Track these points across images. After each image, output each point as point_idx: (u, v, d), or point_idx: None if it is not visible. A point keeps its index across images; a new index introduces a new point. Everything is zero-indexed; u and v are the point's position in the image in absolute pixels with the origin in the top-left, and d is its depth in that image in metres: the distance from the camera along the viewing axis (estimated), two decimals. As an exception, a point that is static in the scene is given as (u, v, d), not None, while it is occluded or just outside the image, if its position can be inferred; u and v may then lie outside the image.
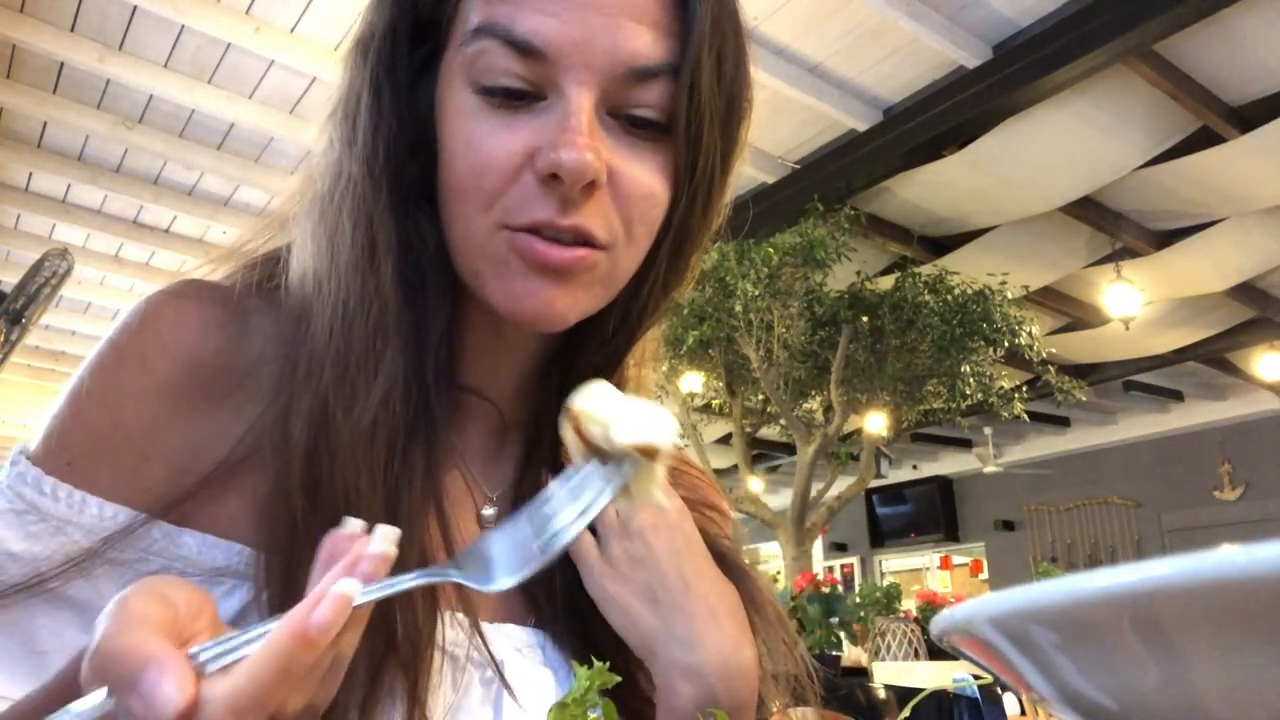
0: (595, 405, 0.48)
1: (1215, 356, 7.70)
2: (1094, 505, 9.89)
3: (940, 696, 2.31)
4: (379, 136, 0.58)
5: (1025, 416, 6.59)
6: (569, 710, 0.43)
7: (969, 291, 5.70)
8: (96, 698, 0.34)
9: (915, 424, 6.86)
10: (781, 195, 5.24)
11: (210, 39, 4.08)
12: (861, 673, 4.09)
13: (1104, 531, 9.80)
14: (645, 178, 0.56)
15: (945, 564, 11.48)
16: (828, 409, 6.40)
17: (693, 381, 6.42)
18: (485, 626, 0.58)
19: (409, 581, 0.40)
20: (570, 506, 0.47)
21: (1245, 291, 6.43)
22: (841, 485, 6.82)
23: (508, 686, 0.57)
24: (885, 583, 5.32)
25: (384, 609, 0.52)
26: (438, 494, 0.58)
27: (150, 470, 0.54)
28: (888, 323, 5.83)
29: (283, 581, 0.51)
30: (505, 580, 0.44)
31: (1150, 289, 5.98)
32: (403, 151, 0.58)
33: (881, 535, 11.71)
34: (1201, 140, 4.73)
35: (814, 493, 6.63)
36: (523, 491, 0.66)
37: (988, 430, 9.19)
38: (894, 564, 12.06)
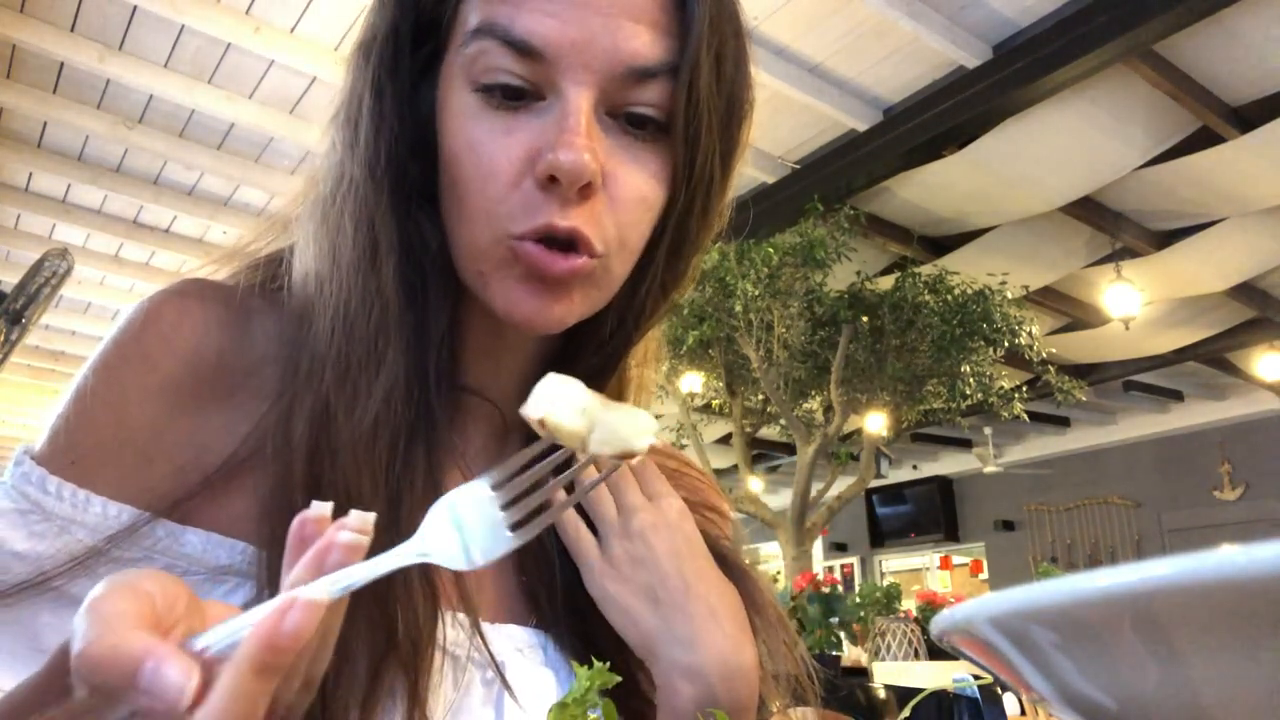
0: (564, 414, 0.46)
1: (1215, 356, 7.70)
2: (1094, 505, 9.89)
3: (940, 696, 2.31)
4: (381, 139, 0.58)
5: (1025, 416, 6.59)
6: (569, 710, 0.43)
7: (969, 291, 5.70)
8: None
9: (915, 424, 6.86)
10: (781, 195, 5.24)
11: (210, 39, 4.08)
12: (861, 673, 4.09)
13: (1104, 531, 9.80)
14: (641, 182, 0.57)
15: (945, 564, 11.48)
16: (828, 409, 6.40)
17: (693, 381, 6.42)
18: (486, 627, 0.58)
19: (381, 568, 0.39)
20: (541, 491, 0.46)
21: (1245, 291, 6.43)
22: (841, 485, 6.82)
23: (508, 687, 0.57)
24: (885, 583, 5.32)
25: (384, 608, 0.52)
26: (439, 494, 0.58)
27: (154, 469, 0.54)
28: (888, 323, 5.83)
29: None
30: (480, 560, 0.43)
31: (1150, 289, 5.98)
32: (404, 153, 0.59)
33: (881, 535, 11.71)
34: (1201, 140, 4.73)
35: (814, 493, 6.63)
36: None
37: (988, 430, 9.19)
38: (894, 564, 12.06)
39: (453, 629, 0.57)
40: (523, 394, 0.47)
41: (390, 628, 0.52)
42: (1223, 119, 4.53)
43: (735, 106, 0.61)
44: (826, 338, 5.98)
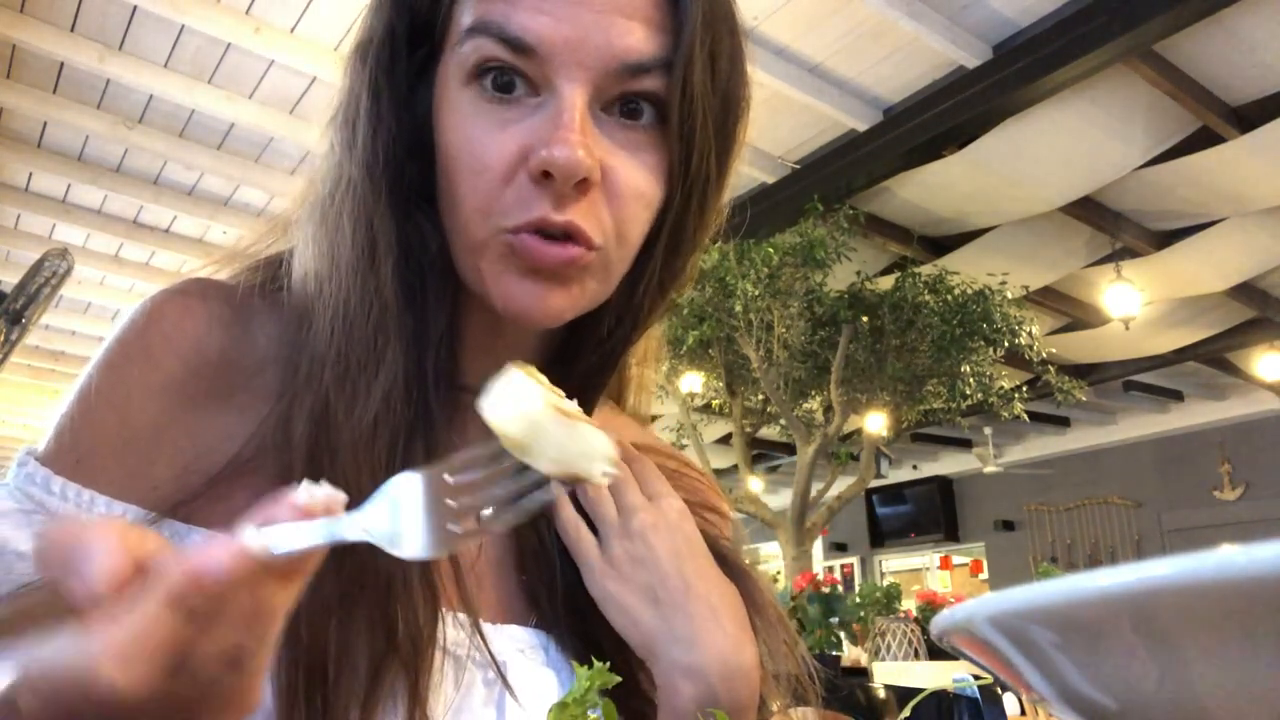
0: (507, 419, 0.42)
1: (1215, 356, 7.70)
2: (1094, 505, 9.89)
3: (940, 696, 2.31)
4: (378, 140, 0.58)
5: (1025, 416, 6.59)
6: (569, 710, 0.43)
7: (969, 291, 5.70)
8: None
9: (915, 424, 6.86)
10: (781, 195, 5.24)
11: (210, 39, 4.08)
12: (861, 673, 4.09)
13: (1104, 531, 9.80)
14: (638, 177, 0.57)
15: (945, 564, 11.48)
16: (828, 409, 6.40)
17: (693, 381, 6.42)
18: (487, 627, 0.58)
19: (319, 535, 0.36)
20: (495, 490, 0.42)
21: (1245, 291, 6.43)
22: (841, 485, 6.82)
23: (509, 687, 0.57)
24: (885, 583, 5.32)
25: (385, 608, 0.52)
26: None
27: (158, 469, 0.55)
28: (888, 323, 5.83)
29: None
30: (415, 552, 0.39)
31: (1150, 289, 5.98)
32: (402, 154, 0.59)
33: (881, 535, 11.71)
34: (1201, 140, 4.73)
35: (814, 493, 6.63)
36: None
37: (988, 430, 9.19)
38: (894, 564, 12.06)
39: (454, 629, 0.57)
40: None
41: (391, 628, 0.52)
42: (1223, 119, 4.53)
43: (731, 104, 0.61)
44: (826, 338, 5.98)
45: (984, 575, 10.80)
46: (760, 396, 6.68)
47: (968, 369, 5.90)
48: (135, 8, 3.87)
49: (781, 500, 8.30)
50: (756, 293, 5.48)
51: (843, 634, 4.65)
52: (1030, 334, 5.87)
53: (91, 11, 3.93)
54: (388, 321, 0.57)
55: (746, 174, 5.16)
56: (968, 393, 5.98)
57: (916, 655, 4.31)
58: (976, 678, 2.10)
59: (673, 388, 6.36)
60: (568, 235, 0.55)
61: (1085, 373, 7.74)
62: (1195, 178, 4.99)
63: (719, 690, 0.57)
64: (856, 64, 4.41)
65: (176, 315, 0.58)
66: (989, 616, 0.26)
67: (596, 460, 0.43)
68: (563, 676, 0.61)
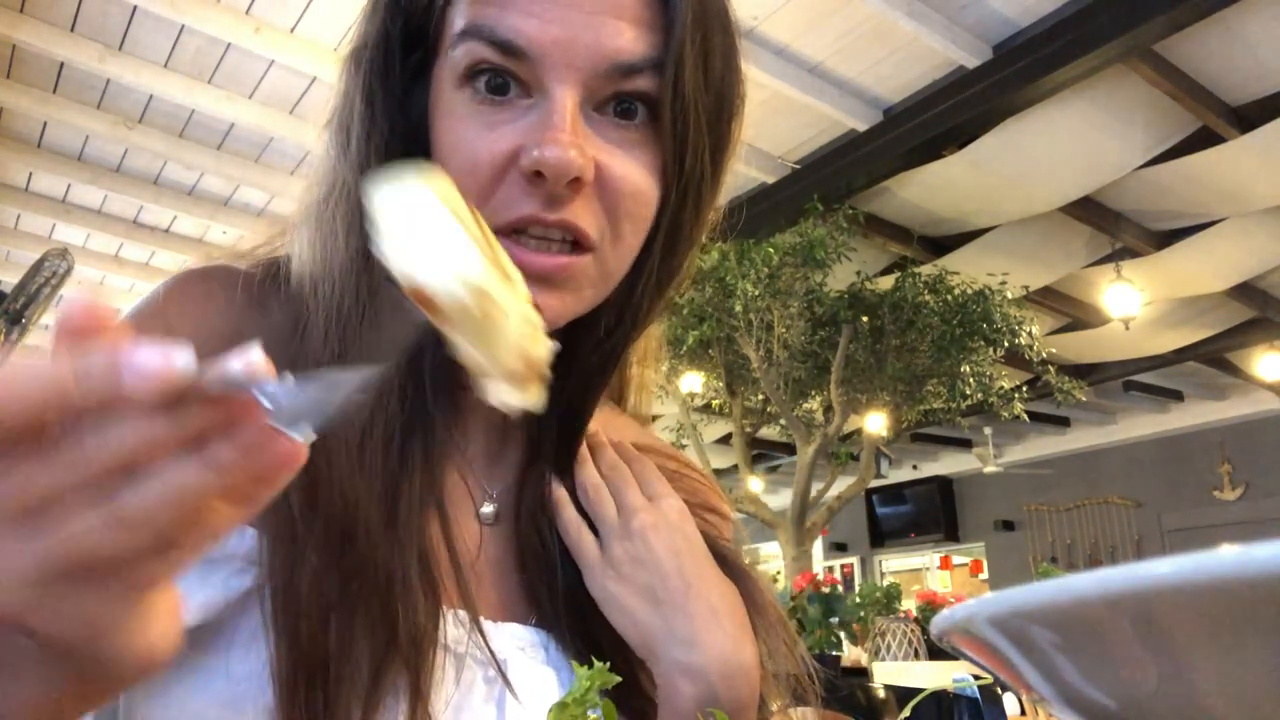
0: (389, 216, 0.36)
1: (1215, 356, 7.70)
2: (1094, 505, 9.89)
3: (940, 696, 2.31)
4: (372, 143, 0.59)
5: (1025, 416, 6.59)
6: (569, 710, 0.43)
7: (969, 291, 5.70)
8: None
9: (915, 424, 6.86)
10: (781, 195, 5.24)
11: (210, 39, 4.08)
12: (861, 673, 4.09)
13: (1104, 531, 9.80)
14: (633, 174, 0.57)
15: (945, 564, 11.48)
16: (828, 409, 6.40)
17: (693, 381, 6.42)
18: (488, 625, 0.59)
19: (219, 383, 0.30)
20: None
21: (1245, 291, 6.44)
22: (841, 485, 6.82)
23: (509, 685, 0.57)
24: (885, 583, 5.32)
25: (385, 606, 0.52)
26: (437, 492, 0.59)
27: None
28: (888, 323, 5.83)
29: (284, 577, 0.51)
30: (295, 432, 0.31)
31: (1150, 289, 5.98)
32: (395, 157, 0.59)
33: (881, 535, 11.71)
34: (1201, 140, 4.73)
35: (814, 493, 6.63)
36: (524, 490, 0.66)
37: (988, 430, 9.19)
38: (894, 564, 12.06)
39: (454, 627, 0.57)
40: None
41: (391, 626, 0.52)
42: (1223, 119, 4.53)
43: (725, 101, 0.61)
44: (826, 338, 5.98)
45: (984, 575, 10.80)
46: (760, 396, 6.68)
47: (968, 369, 5.90)
48: (135, 8, 3.87)
49: (781, 500, 8.30)
50: (756, 293, 5.48)
51: (843, 634, 4.65)
52: (1030, 334, 5.87)
53: (91, 11, 3.93)
54: (382, 323, 0.57)
55: (746, 174, 5.16)
56: (968, 393, 5.99)
57: (916, 655, 4.31)
58: (976, 678, 2.10)
59: (673, 388, 6.36)
60: (563, 235, 0.55)
61: (1085, 373, 7.74)
62: (1195, 178, 4.99)
63: (719, 690, 0.58)
64: (856, 64, 4.41)
65: (199, 293, 0.59)
66: (989, 616, 0.26)
67: (447, 267, 0.35)
68: (563, 675, 0.61)
